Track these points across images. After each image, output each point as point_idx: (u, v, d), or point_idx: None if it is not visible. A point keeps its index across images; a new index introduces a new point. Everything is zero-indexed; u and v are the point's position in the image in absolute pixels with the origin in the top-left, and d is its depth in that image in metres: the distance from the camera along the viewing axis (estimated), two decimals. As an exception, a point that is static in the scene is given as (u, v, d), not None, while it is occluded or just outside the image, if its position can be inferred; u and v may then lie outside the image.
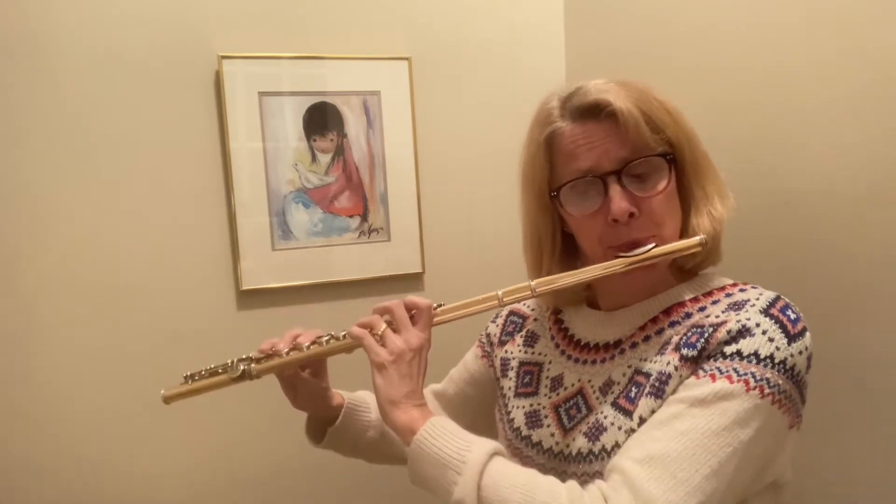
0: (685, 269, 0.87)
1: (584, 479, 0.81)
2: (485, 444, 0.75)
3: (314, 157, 1.42)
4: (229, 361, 0.89)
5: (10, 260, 1.26)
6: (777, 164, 1.08)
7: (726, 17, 1.16)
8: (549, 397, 0.90)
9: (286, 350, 0.89)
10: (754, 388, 0.70)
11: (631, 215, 0.79)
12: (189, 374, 0.90)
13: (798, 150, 1.05)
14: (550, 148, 0.85)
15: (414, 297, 0.85)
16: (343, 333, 0.87)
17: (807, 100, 1.03)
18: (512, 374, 0.98)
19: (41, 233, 1.27)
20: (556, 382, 0.91)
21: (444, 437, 0.76)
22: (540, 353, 0.96)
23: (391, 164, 1.47)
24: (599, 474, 0.79)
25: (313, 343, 0.89)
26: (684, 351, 0.76)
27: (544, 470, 0.86)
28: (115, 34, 1.29)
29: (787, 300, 0.78)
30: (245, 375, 0.88)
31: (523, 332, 1.01)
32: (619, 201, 0.79)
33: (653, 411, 0.75)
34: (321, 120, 1.42)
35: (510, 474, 0.72)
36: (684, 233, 0.85)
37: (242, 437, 1.43)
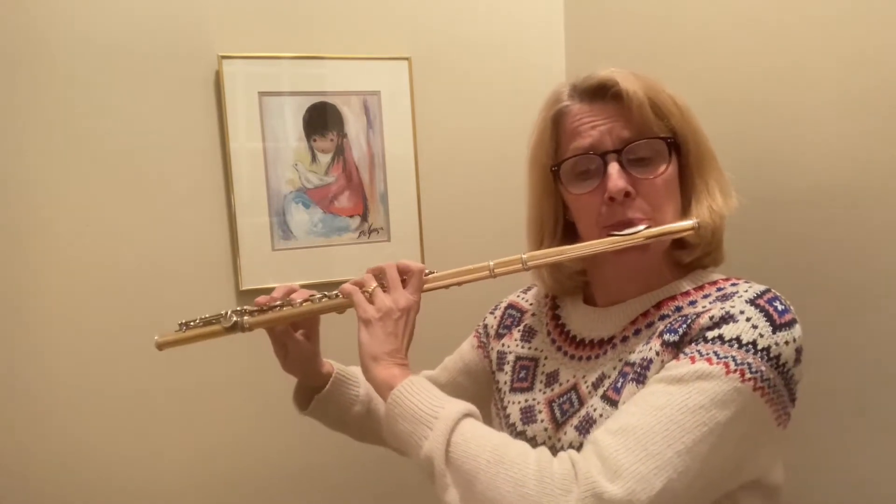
0: (682, 264, 0.87)
1: None
2: (459, 404, 0.75)
3: (314, 157, 1.42)
4: (223, 312, 0.89)
5: (9, 259, 1.26)
6: (777, 164, 1.08)
7: (726, 18, 1.16)
8: (544, 393, 0.91)
9: (279, 304, 0.89)
10: (734, 371, 0.69)
11: (627, 195, 0.80)
12: (184, 321, 0.91)
13: (798, 150, 1.05)
14: (557, 126, 0.86)
15: (407, 261, 0.87)
16: (335, 293, 0.88)
17: (807, 100, 1.03)
18: (508, 368, 0.98)
19: (41, 233, 1.28)
20: (552, 378, 0.91)
21: (420, 394, 0.76)
22: (536, 349, 0.96)
23: (391, 164, 1.47)
24: None
25: (306, 301, 0.90)
26: (666, 336, 0.76)
27: None
28: (115, 34, 1.29)
29: (778, 293, 0.77)
30: (237, 326, 0.89)
31: (521, 327, 1.01)
32: (616, 179, 0.79)
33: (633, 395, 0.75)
34: (321, 120, 1.42)
35: (481, 434, 0.72)
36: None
37: (241, 433, 1.43)
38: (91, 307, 1.31)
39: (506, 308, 1.06)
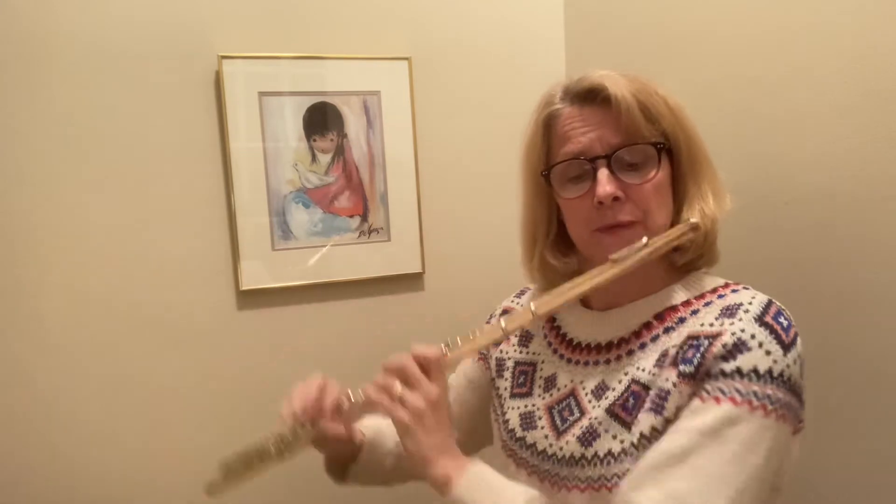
0: (676, 266, 0.87)
1: (575, 484, 0.81)
2: (518, 496, 0.76)
3: (314, 157, 1.42)
4: (265, 444, 0.89)
5: (8, 260, 1.26)
6: (777, 164, 1.08)
7: (727, 18, 1.16)
8: (543, 398, 0.90)
9: (312, 421, 0.89)
10: (757, 407, 0.71)
11: (616, 199, 0.80)
12: (225, 463, 0.91)
13: (798, 150, 1.05)
14: (548, 129, 0.86)
15: (421, 350, 0.84)
16: (362, 395, 0.87)
17: (807, 100, 1.03)
18: (507, 374, 0.97)
19: (41, 233, 1.27)
20: (550, 383, 0.91)
21: (478, 491, 0.77)
22: (534, 353, 0.96)
23: (391, 164, 1.47)
24: (591, 479, 0.79)
25: (338, 406, 0.89)
26: (682, 367, 0.76)
27: (537, 472, 0.86)
28: (115, 34, 1.29)
29: (779, 305, 0.78)
30: (283, 457, 0.89)
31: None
32: (605, 185, 0.80)
33: (653, 427, 0.76)
34: (321, 120, 1.42)
35: None
36: (674, 227, 0.85)
37: (243, 438, 1.42)
38: (91, 308, 1.31)
39: (501, 315, 1.05)
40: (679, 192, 0.85)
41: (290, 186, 1.41)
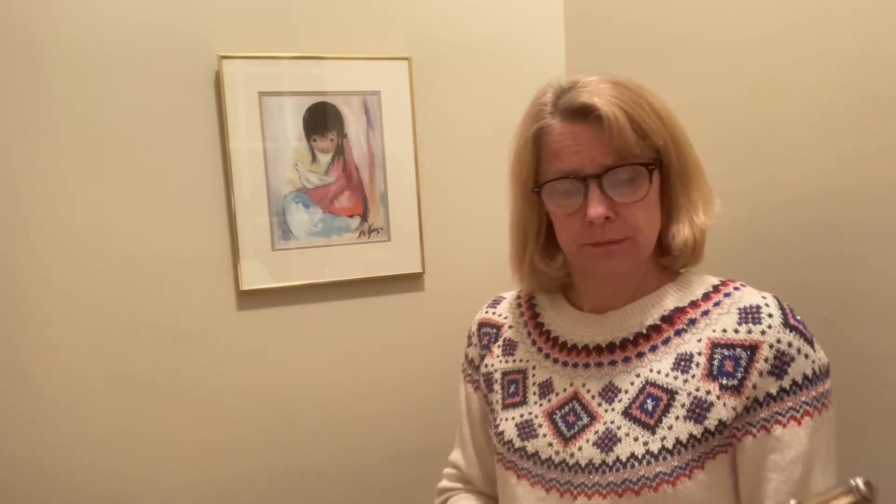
0: (665, 267, 0.89)
1: (595, 490, 0.80)
2: None
3: (314, 157, 1.42)
4: None
5: (8, 260, 1.26)
6: (777, 164, 1.08)
7: (726, 18, 1.16)
8: (540, 405, 0.89)
9: None
10: (820, 407, 0.78)
11: (607, 219, 0.80)
12: None
13: (798, 150, 1.05)
14: (538, 143, 0.85)
15: None
16: None
17: (807, 100, 1.03)
18: (497, 386, 0.95)
19: (41, 233, 1.27)
20: (546, 388, 0.89)
21: None
22: (521, 360, 0.94)
23: (391, 164, 1.47)
24: (614, 484, 0.79)
25: None
26: (723, 381, 0.78)
27: (542, 481, 0.85)
28: (115, 34, 1.29)
29: (784, 301, 0.81)
30: None
31: (500, 342, 0.98)
32: (596, 206, 0.79)
33: (691, 435, 0.77)
34: (321, 120, 1.42)
35: None
36: (663, 238, 0.86)
37: (243, 438, 1.43)
38: (91, 308, 1.31)
39: (479, 329, 1.02)
40: (668, 201, 0.85)
41: (290, 186, 1.41)
